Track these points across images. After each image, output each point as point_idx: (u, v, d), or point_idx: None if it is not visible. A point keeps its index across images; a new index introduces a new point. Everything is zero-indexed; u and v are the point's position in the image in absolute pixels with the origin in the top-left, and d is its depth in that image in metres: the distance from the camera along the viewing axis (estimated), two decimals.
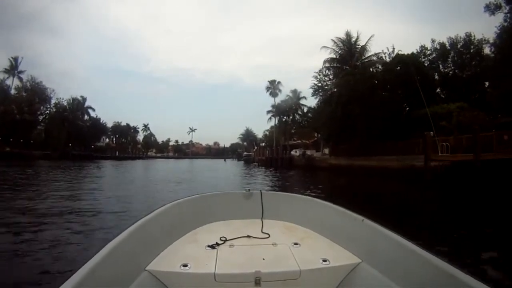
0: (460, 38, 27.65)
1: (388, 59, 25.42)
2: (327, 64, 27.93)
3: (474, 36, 27.12)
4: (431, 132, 14.79)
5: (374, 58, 26.74)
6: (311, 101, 50.65)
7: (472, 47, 26.94)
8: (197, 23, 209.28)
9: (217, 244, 1.90)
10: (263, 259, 1.74)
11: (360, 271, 1.67)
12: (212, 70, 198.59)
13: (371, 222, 1.79)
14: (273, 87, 52.11)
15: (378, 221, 1.77)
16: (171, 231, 1.97)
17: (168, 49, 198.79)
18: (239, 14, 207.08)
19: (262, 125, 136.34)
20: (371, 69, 24.16)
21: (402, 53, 22.19)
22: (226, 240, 1.96)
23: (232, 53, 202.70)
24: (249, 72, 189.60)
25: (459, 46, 27.10)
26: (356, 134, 20.38)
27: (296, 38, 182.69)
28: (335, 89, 27.56)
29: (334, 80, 28.26)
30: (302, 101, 49.52)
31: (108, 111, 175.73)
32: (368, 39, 26.13)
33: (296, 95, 50.22)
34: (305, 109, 49.70)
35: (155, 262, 1.64)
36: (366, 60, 26.32)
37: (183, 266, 1.61)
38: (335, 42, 27.40)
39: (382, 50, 26.81)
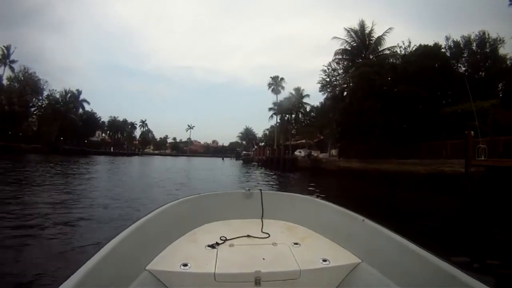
0: (476, 36, 25.44)
1: (404, 53, 23.04)
2: (338, 56, 25.23)
3: (489, 35, 24.91)
4: (472, 132, 12.29)
5: (387, 52, 24.40)
6: (313, 100, 48.80)
7: (487, 45, 24.65)
8: (200, 23, 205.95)
9: (217, 244, 1.88)
10: (263, 259, 1.72)
11: (360, 271, 1.65)
12: (213, 69, 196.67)
13: (371, 222, 1.77)
14: (275, 84, 49.33)
15: (378, 221, 1.73)
16: (171, 231, 1.96)
17: (170, 48, 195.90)
18: (241, 15, 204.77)
19: (262, 125, 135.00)
20: (390, 61, 21.48)
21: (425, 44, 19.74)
22: (226, 240, 1.94)
23: (233, 53, 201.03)
24: (250, 72, 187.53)
25: (474, 44, 25.14)
26: (375, 133, 17.80)
27: (298, 39, 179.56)
28: (345, 85, 25.19)
29: (343, 75, 25.73)
30: (305, 100, 47.76)
31: (108, 107, 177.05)
32: (385, 31, 23.64)
33: (298, 93, 48.02)
34: (308, 108, 47.88)
35: (155, 262, 1.62)
36: (381, 53, 23.74)
37: (183, 265, 1.60)
38: (348, 32, 24.85)
39: (398, 44, 24.43)
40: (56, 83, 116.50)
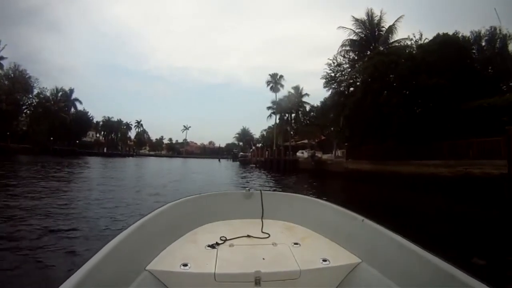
0: (487, 31, 23.76)
1: (419, 44, 21.34)
2: (345, 48, 23.19)
3: (500, 30, 23.31)
4: None
5: (397, 44, 22.67)
6: (312, 100, 47.21)
7: (498, 41, 23.11)
8: (197, 24, 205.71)
9: (217, 244, 1.87)
10: (263, 259, 1.72)
11: (360, 271, 1.65)
12: (210, 70, 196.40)
13: (371, 222, 1.77)
14: (274, 81, 47.32)
15: (378, 221, 1.73)
16: (171, 231, 1.95)
17: (167, 48, 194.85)
18: (240, 15, 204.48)
19: (259, 126, 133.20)
20: (406, 51, 19.58)
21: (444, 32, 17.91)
22: (226, 240, 1.94)
23: (231, 53, 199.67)
24: (248, 72, 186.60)
25: (484, 40, 23.70)
26: (391, 130, 15.81)
27: (297, 40, 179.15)
28: (351, 80, 23.38)
29: (350, 70, 23.89)
30: (305, 99, 46.27)
31: (105, 107, 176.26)
32: (396, 20, 21.72)
33: (298, 92, 46.31)
34: (308, 108, 46.27)
35: (155, 262, 1.61)
36: (392, 45, 21.79)
37: (183, 266, 1.59)
38: (356, 20, 22.89)
39: (408, 36, 22.63)
40: (53, 84, 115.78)
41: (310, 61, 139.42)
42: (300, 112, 46.22)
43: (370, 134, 17.53)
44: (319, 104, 43.22)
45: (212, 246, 1.82)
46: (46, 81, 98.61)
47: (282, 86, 47.48)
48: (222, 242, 1.89)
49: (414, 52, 17.84)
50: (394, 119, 14.93)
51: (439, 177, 13.55)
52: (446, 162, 13.82)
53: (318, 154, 30.48)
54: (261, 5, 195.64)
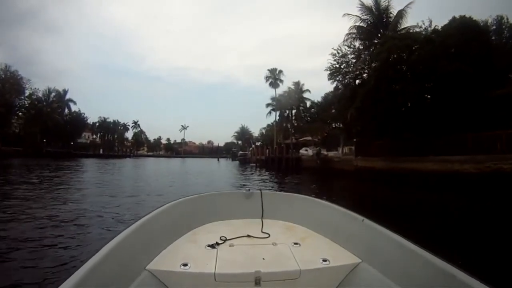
0: (494, 20, 23.15)
1: (424, 33, 19.89)
2: (352, 35, 21.46)
3: (508, 19, 22.73)
4: None
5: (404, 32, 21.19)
6: (313, 98, 45.69)
7: (505, 31, 22.58)
8: (195, 23, 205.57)
9: (217, 243, 1.85)
10: (263, 259, 1.70)
11: (360, 271, 1.63)
12: (208, 69, 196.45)
13: (371, 222, 1.74)
14: (273, 77, 45.66)
15: (379, 221, 1.69)
16: (171, 231, 1.92)
17: (166, 48, 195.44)
18: (237, 15, 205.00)
19: (258, 124, 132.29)
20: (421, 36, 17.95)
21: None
22: (226, 240, 1.91)
23: (229, 53, 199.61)
24: (246, 72, 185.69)
25: (491, 29, 22.39)
26: (408, 122, 14.13)
27: (295, 39, 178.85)
28: (357, 72, 21.91)
29: (355, 61, 22.40)
30: (305, 95, 44.90)
31: (103, 108, 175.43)
32: (406, 5, 19.99)
33: (298, 88, 44.80)
34: (308, 104, 44.80)
35: (155, 262, 1.59)
36: (402, 32, 20.18)
37: (183, 265, 1.57)
38: (362, 5, 21.11)
39: (417, 23, 21.17)
40: (51, 85, 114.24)
41: (310, 60, 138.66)
42: (301, 108, 44.75)
43: (384, 127, 15.80)
44: (320, 100, 41.97)
45: (212, 246, 1.80)
46: (43, 83, 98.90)
47: (281, 81, 46.01)
48: (222, 242, 1.86)
49: (432, 35, 16.22)
50: (412, 108, 13.37)
51: (465, 174, 12.10)
52: (473, 157, 12.36)
53: (323, 152, 28.94)
54: (261, 4, 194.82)
